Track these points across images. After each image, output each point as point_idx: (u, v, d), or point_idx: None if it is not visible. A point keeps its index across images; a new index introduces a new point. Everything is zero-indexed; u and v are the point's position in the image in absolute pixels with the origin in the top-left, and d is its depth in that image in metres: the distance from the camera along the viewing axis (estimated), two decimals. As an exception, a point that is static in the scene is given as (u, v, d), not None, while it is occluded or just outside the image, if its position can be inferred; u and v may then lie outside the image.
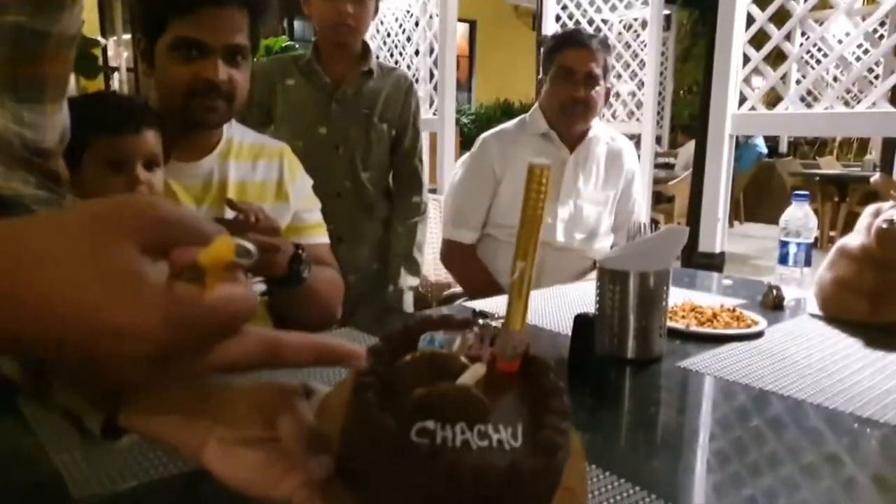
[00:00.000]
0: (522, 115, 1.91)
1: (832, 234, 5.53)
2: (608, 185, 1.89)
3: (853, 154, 8.21)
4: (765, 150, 7.12)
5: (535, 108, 1.86)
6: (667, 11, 5.76)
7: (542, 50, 1.95)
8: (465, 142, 5.06)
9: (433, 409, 0.37)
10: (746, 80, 2.01)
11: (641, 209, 2.08)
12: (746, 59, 1.97)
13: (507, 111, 9.10)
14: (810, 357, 0.99)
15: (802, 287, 1.37)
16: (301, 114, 1.68)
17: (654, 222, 1.06)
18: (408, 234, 1.79)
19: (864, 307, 1.14)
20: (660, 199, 5.67)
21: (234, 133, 1.21)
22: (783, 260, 1.42)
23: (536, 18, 3.76)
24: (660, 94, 6.24)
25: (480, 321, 0.48)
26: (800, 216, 1.40)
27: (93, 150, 0.95)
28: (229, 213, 1.03)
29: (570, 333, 0.92)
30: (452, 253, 1.90)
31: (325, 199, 1.35)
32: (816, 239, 1.46)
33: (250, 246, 0.34)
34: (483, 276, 1.84)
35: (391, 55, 3.33)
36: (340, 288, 1.28)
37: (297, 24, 8.00)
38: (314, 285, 1.13)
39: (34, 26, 0.51)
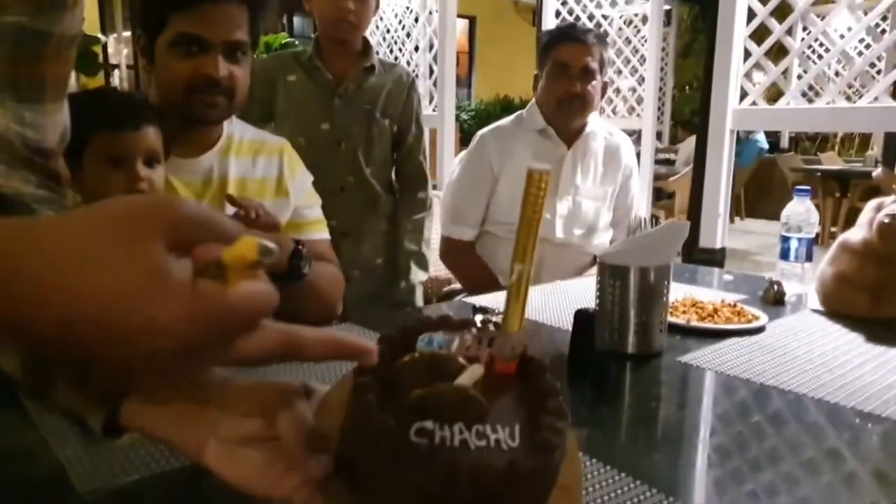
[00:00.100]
0: (519, 112, 1.91)
1: (833, 230, 5.53)
2: (606, 181, 1.88)
3: (855, 150, 8.19)
4: (766, 146, 7.11)
5: (531, 104, 1.86)
6: (667, 7, 5.74)
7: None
8: (464, 138, 5.06)
9: (432, 409, 0.38)
10: (747, 75, 2.00)
11: (640, 204, 2.08)
12: (747, 54, 1.96)
13: (507, 107, 9.08)
14: (811, 352, 0.99)
15: (804, 282, 1.37)
16: (303, 110, 1.68)
17: (655, 218, 1.05)
18: (416, 229, 1.80)
19: (865, 302, 1.14)
20: (660, 196, 5.66)
21: (235, 129, 1.21)
22: (784, 255, 1.41)
23: (536, 14, 3.75)
24: (660, 89, 6.24)
25: (480, 318, 0.48)
26: (801, 211, 1.39)
27: (93, 147, 0.95)
28: (229, 210, 1.04)
29: (570, 329, 0.92)
30: (451, 250, 1.90)
31: (328, 195, 1.35)
32: (817, 235, 1.46)
33: (273, 245, 0.34)
34: (483, 272, 1.84)
35: (390, 51, 3.32)
36: (341, 284, 1.28)
37: (296, 20, 7.99)
38: (314, 281, 1.13)
39: (35, 26, 0.51)
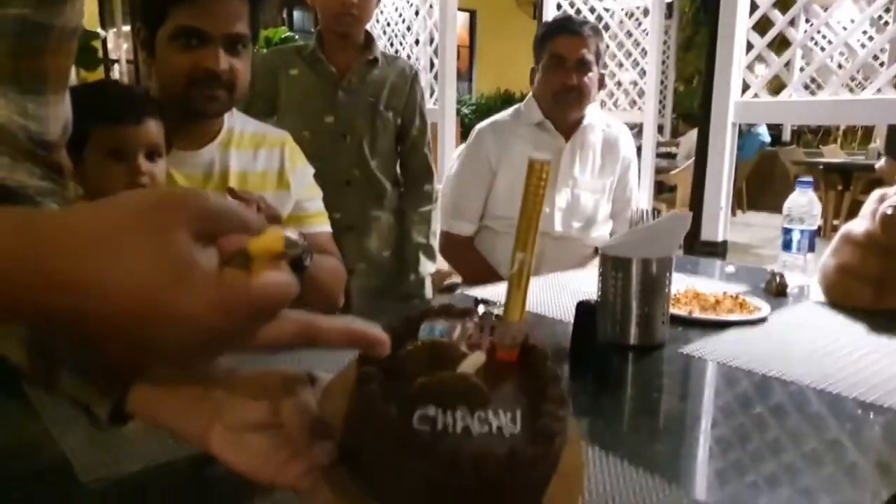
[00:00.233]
0: (517, 105, 1.90)
1: (836, 222, 5.52)
2: (605, 173, 1.88)
3: (857, 142, 8.16)
4: (768, 139, 7.09)
5: (529, 98, 1.85)
6: (669, -1, 5.72)
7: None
8: (465, 132, 5.03)
9: (434, 396, 0.38)
10: (749, 68, 1.99)
11: (642, 197, 2.08)
12: (750, 46, 1.96)
13: (507, 101, 9.05)
14: (813, 343, 0.99)
15: (806, 274, 1.37)
16: (307, 103, 1.68)
17: (657, 211, 1.05)
18: (423, 221, 1.80)
19: (867, 293, 1.14)
20: (662, 189, 5.65)
21: (236, 122, 1.21)
22: (787, 246, 1.41)
23: (537, 7, 3.74)
24: (662, 82, 6.22)
25: (482, 309, 0.48)
26: (803, 202, 1.39)
27: (94, 140, 0.95)
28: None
29: (571, 321, 0.92)
30: (451, 245, 1.90)
31: (333, 188, 1.34)
32: (820, 227, 1.46)
33: (297, 238, 0.36)
34: (483, 267, 1.84)
35: (391, 45, 3.31)
36: (342, 277, 1.28)
37: (296, 14, 7.98)
38: (316, 274, 1.13)
39: (37, 19, 0.51)
